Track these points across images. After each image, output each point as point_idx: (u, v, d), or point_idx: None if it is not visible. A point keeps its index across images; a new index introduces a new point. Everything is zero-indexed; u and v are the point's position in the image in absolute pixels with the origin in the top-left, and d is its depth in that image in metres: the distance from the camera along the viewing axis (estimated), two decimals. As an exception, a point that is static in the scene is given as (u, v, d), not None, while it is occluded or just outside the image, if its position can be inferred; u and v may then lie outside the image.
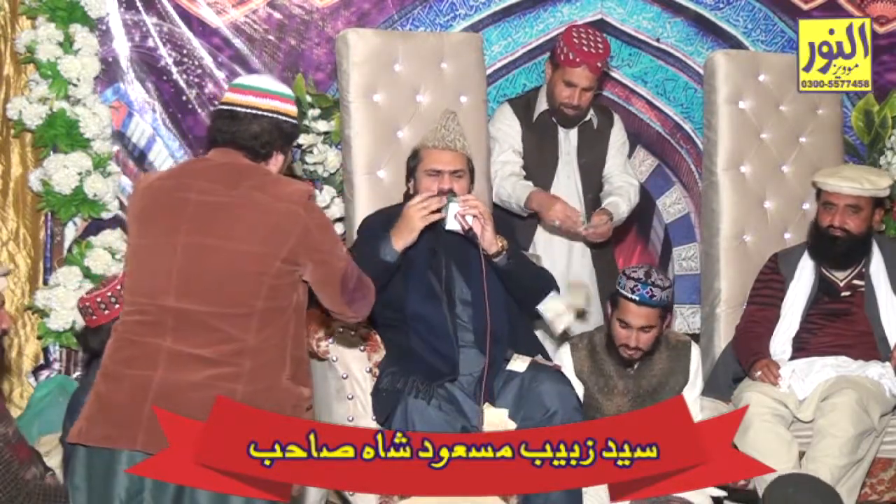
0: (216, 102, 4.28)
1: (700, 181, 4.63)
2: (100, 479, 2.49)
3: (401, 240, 3.37)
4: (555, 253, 4.14)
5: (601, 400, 3.72)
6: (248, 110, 2.63)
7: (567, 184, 4.16)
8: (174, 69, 4.33)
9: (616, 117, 4.32)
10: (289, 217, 2.54)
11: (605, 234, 4.01)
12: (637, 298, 3.58)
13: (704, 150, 4.38)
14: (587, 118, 4.18)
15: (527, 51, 4.69)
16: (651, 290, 3.59)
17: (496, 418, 3.39)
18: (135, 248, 2.61)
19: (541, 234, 4.14)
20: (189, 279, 2.51)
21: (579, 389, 3.69)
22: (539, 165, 4.13)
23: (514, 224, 3.96)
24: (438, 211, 3.39)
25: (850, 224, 3.89)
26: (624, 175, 4.21)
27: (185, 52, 4.34)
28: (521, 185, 4.02)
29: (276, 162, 2.68)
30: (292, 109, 2.70)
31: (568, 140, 4.17)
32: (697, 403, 3.83)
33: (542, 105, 4.15)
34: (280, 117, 2.65)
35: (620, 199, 4.10)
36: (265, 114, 2.63)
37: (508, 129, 4.13)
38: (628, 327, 3.63)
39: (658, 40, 4.81)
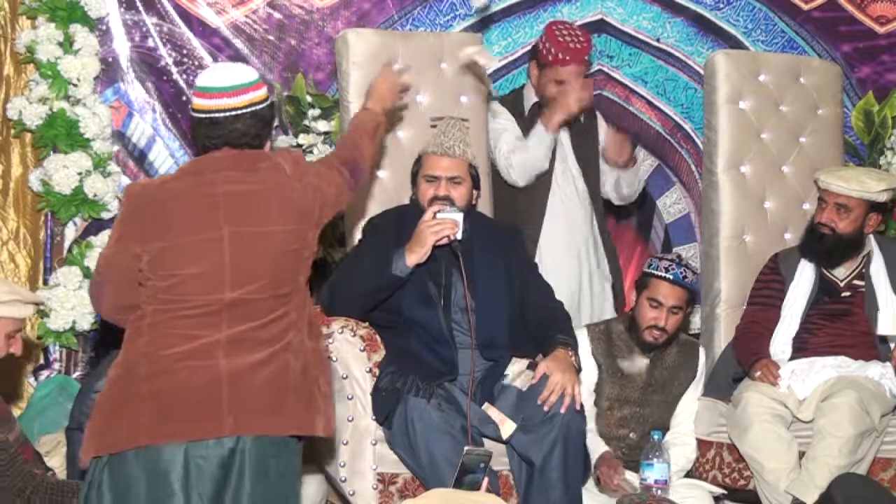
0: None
1: (700, 181, 4.63)
2: (161, 477, 2.48)
3: (413, 255, 3.40)
4: (560, 256, 4.14)
5: (611, 387, 3.75)
6: (227, 113, 2.63)
7: (564, 177, 4.16)
8: (174, 69, 4.34)
9: (597, 113, 4.35)
10: (307, 191, 2.66)
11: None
12: (671, 277, 3.68)
13: (704, 150, 4.38)
14: None
15: (527, 51, 4.69)
16: (684, 270, 3.69)
17: (496, 416, 3.39)
18: (163, 252, 2.57)
19: (545, 239, 4.14)
20: (242, 269, 2.56)
21: (594, 371, 3.73)
22: None
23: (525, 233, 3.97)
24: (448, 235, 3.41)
25: (838, 223, 3.88)
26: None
27: (185, 52, 4.34)
28: None
29: (267, 147, 2.74)
30: (264, 93, 2.70)
31: (559, 138, 4.19)
32: (696, 403, 3.86)
33: (530, 105, 4.16)
34: (258, 107, 2.66)
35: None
36: (244, 110, 2.64)
37: (509, 123, 4.13)
38: (659, 306, 3.69)
39: (658, 40, 4.81)
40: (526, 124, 4.14)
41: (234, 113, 2.63)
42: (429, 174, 3.58)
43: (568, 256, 4.15)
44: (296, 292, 2.65)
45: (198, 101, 2.67)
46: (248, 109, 2.64)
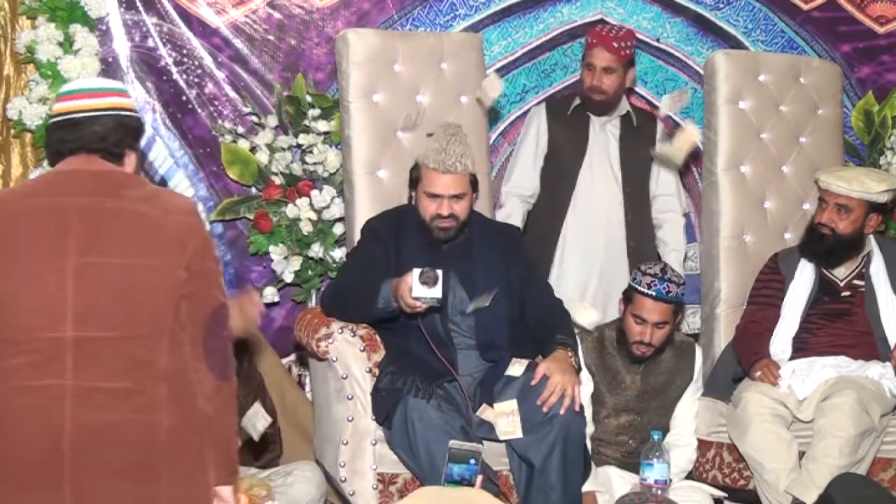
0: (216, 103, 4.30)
1: (700, 181, 4.63)
2: None
3: (398, 304, 3.38)
4: (591, 247, 4.21)
5: (607, 395, 3.74)
6: (87, 114, 2.45)
7: (600, 172, 4.21)
8: (174, 69, 4.33)
9: (660, 125, 4.39)
10: (183, 227, 2.39)
11: None
12: (654, 294, 3.64)
13: (704, 150, 4.38)
14: (623, 112, 4.25)
15: (527, 51, 4.70)
16: (668, 286, 3.65)
17: (507, 408, 3.39)
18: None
19: (566, 242, 4.20)
20: (88, 303, 2.28)
21: (589, 383, 3.72)
22: (567, 156, 4.22)
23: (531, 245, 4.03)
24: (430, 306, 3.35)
25: (838, 224, 3.88)
26: (671, 213, 4.33)
27: (185, 52, 4.34)
28: None
29: (131, 161, 2.51)
30: (130, 102, 2.53)
31: (604, 132, 4.24)
32: (696, 404, 3.86)
33: (577, 100, 4.28)
34: (121, 113, 2.48)
35: (677, 243, 4.29)
36: (105, 112, 2.46)
37: (529, 140, 4.26)
38: (643, 323, 3.67)
39: (658, 40, 4.81)
40: (565, 124, 4.24)
41: (94, 114, 2.45)
42: (430, 191, 3.56)
43: (596, 254, 4.21)
44: (163, 337, 2.32)
45: (57, 106, 2.49)
46: (110, 113, 2.46)
